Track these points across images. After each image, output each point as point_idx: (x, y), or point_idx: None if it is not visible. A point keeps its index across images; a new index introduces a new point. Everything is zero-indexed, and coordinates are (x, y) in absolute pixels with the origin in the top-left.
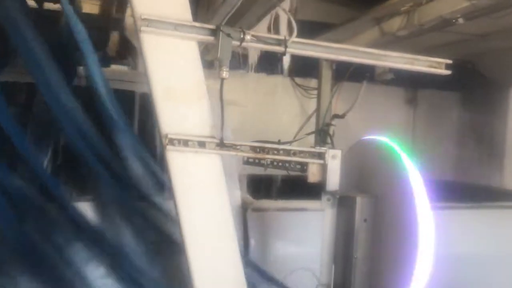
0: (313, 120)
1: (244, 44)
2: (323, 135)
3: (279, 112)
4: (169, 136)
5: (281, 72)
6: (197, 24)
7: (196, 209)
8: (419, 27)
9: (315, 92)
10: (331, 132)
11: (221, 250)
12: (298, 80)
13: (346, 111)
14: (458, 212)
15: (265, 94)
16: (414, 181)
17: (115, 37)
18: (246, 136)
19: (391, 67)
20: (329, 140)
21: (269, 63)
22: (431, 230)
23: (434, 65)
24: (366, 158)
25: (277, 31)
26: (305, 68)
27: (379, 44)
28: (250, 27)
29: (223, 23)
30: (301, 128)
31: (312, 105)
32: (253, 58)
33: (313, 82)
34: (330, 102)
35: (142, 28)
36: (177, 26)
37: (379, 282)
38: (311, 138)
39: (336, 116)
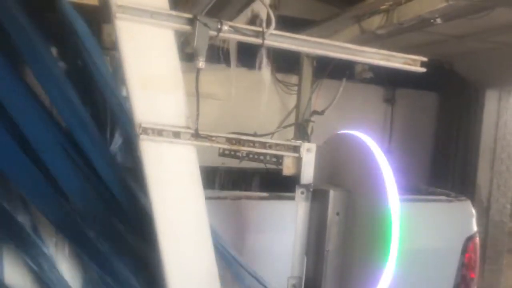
0: (293, 116)
1: (221, 34)
2: (302, 130)
3: (258, 107)
4: (143, 125)
5: (259, 68)
6: (174, 12)
7: (170, 200)
8: (398, 26)
9: (296, 88)
10: (310, 128)
11: (195, 242)
12: (279, 76)
13: (325, 108)
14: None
15: (245, 88)
16: (386, 175)
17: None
18: (226, 129)
19: (371, 66)
20: (306, 137)
21: (250, 58)
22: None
23: (410, 62)
24: (339, 152)
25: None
26: (286, 64)
27: (359, 41)
28: (229, 20)
29: (202, 14)
30: (281, 124)
31: (292, 101)
32: (233, 52)
33: (293, 78)
34: (310, 99)
35: (117, 15)
36: (153, 14)
37: (351, 275)
38: (290, 134)
39: (315, 112)
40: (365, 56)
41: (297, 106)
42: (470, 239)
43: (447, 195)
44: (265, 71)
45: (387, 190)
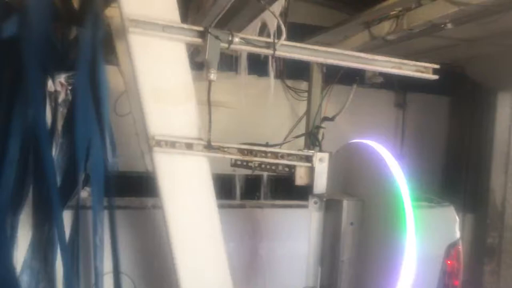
0: (303, 122)
1: (232, 46)
2: (312, 137)
3: (269, 114)
4: (156, 137)
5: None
6: (185, 25)
7: (183, 211)
8: (408, 32)
9: (306, 94)
10: (321, 135)
11: (209, 253)
12: (289, 82)
13: (336, 114)
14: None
15: (256, 96)
16: (400, 185)
17: None
18: (236, 137)
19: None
20: (317, 143)
21: (260, 65)
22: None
23: (422, 70)
24: (352, 161)
25: (267, 34)
26: (296, 70)
27: (369, 47)
28: (240, 29)
29: (212, 25)
30: (291, 130)
31: (302, 107)
32: (243, 60)
33: (303, 85)
34: (320, 105)
35: (130, 29)
36: (165, 28)
37: (366, 285)
38: (302, 141)
39: (326, 118)
40: (376, 65)
41: (307, 113)
42: (452, 246)
43: (430, 201)
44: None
45: (401, 200)
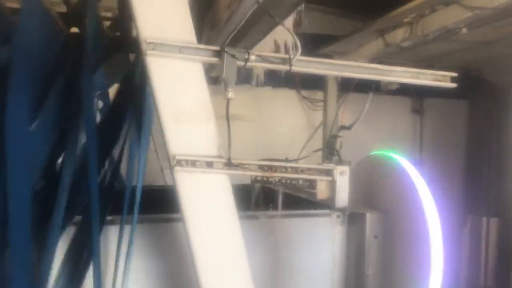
0: (320, 131)
1: (248, 64)
2: (330, 147)
3: (286, 125)
4: (177, 157)
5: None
6: (201, 46)
7: (206, 229)
8: (423, 38)
9: (321, 104)
10: (338, 144)
11: (233, 270)
12: (304, 92)
13: (353, 122)
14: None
15: (271, 107)
16: (423, 196)
17: None
18: (253, 149)
19: None
20: (336, 153)
21: (275, 76)
22: (440, 244)
23: (440, 79)
24: (374, 174)
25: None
26: (310, 80)
27: (383, 54)
28: (254, 43)
29: (227, 42)
30: (308, 140)
31: (318, 117)
32: (258, 72)
33: (319, 94)
34: (337, 114)
35: (148, 52)
36: (182, 49)
37: None
38: (320, 153)
39: (343, 127)
40: (394, 75)
41: (324, 122)
42: None
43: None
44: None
45: (426, 212)
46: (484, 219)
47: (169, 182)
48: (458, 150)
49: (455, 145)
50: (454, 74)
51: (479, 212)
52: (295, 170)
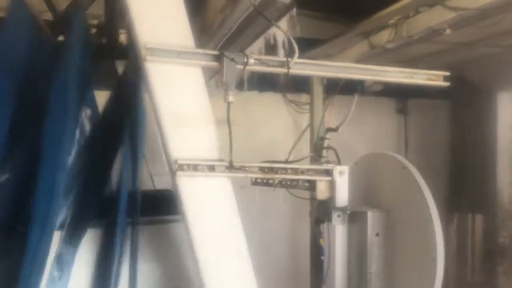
0: (307, 134)
1: (248, 67)
2: (318, 148)
3: (273, 128)
4: (179, 161)
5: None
6: (200, 50)
7: (208, 232)
8: (407, 39)
9: (307, 107)
10: (325, 145)
11: (235, 272)
12: (289, 96)
13: (339, 124)
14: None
15: (258, 111)
16: (425, 194)
17: None
18: (242, 153)
19: None
20: (324, 154)
21: (260, 81)
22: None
23: (433, 78)
24: (372, 173)
25: (273, 49)
26: (295, 83)
27: (368, 56)
28: (245, 47)
29: (219, 46)
30: (296, 143)
31: (304, 120)
32: (245, 76)
33: (304, 97)
34: (323, 116)
35: (147, 58)
36: (180, 54)
37: None
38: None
39: (329, 129)
40: (388, 76)
41: (310, 125)
42: None
43: None
44: None
45: (428, 209)
46: (470, 216)
47: (158, 186)
48: (443, 149)
49: (439, 144)
50: (447, 73)
51: (464, 210)
52: (295, 171)
